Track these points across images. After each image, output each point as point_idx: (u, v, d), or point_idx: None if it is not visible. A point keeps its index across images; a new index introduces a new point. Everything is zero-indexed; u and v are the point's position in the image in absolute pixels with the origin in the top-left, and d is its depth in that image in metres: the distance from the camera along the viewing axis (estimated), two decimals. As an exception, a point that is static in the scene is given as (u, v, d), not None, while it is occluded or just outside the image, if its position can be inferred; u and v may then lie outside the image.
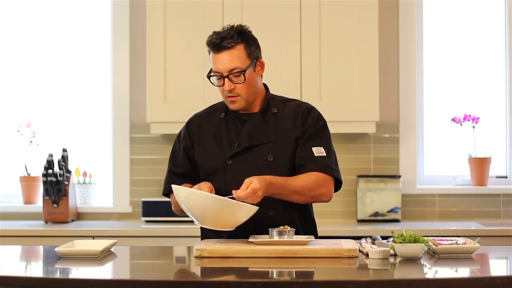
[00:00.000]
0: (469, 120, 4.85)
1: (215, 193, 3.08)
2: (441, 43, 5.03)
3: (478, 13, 5.04)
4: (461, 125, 4.87)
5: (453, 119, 4.88)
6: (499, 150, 5.00)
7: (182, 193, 2.96)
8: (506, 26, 4.98)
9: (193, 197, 2.94)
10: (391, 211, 4.80)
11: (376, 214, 4.81)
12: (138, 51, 4.96)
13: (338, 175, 3.16)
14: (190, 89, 4.63)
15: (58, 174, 4.75)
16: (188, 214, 3.00)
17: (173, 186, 3.02)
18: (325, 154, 3.13)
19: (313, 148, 3.13)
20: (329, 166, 3.12)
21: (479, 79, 5.04)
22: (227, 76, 3.10)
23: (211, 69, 3.15)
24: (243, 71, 3.10)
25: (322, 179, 3.11)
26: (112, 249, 3.06)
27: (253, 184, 2.94)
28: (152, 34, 4.64)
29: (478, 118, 4.85)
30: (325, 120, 3.23)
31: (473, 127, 4.86)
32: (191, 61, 4.63)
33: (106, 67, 5.06)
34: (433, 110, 5.03)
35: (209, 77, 3.16)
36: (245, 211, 2.93)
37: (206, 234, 3.21)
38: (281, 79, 4.57)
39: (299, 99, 3.49)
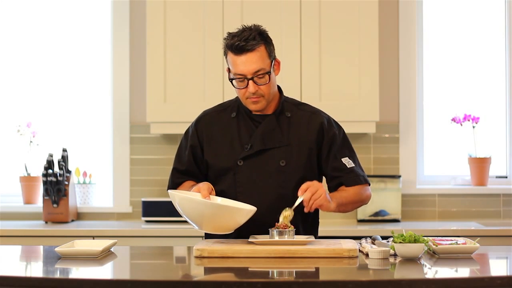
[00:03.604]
0: (469, 120, 4.85)
1: (219, 195, 3.08)
2: (441, 43, 5.03)
3: (478, 13, 5.04)
4: (461, 125, 4.87)
5: (453, 119, 4.88)
6: (499, 150, 5.00)
7: (176, 198, 2.92)
8: (506, 26, 4.98)
9: (186, 202, 2.90)
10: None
11: (376, 214, 4.81)
12: (138, 51, 4.96)
13: (368, 180, 3.28)
14: (190, 89, 4.63)
15: (58, 174, 4.75)
16: (186, 219, 2.98)
17: (169, 191, 2.99)
18: (353, 164, 3.22)
19: (342, 160, 3.20)
20: (362, 175, 3.23)
21: (479, 79, 5.04)
22: (251, 78, 3.06)
23: (229, 70, 3.10)
24: (267, 72, 3.07)
25: (362, 188, 3.24)
26: (112, 249, 3.06)
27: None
28: (152, 34, 4.64)
29: (478, 118, 4.85)
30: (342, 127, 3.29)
31: (473, 127, 4.86)
32: (191, 61, 4.63)
33: (106, 67, 5.06)
34: (433, 110, 5.02)
35: (231, 80, 3.10)
36: (244, 214, 2.92)
37: (210, 234, 3.19)
38: (281, 79, 4.55)
39: (299, 99, 3.49)
